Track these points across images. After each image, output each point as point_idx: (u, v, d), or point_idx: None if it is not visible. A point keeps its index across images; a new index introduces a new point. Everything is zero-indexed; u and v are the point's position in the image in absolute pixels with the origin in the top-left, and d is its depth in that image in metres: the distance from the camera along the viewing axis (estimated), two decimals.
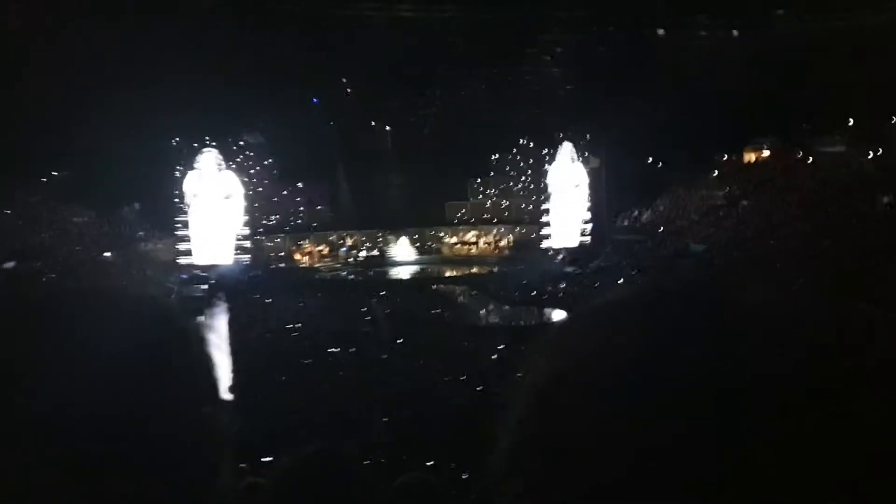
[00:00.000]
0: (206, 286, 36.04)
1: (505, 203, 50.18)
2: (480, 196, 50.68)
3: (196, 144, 41.19)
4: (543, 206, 47.04)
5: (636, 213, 47.96)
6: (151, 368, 0.89)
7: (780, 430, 0.58)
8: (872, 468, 0.58)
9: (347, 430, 14.48)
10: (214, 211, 40.95)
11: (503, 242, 49.17)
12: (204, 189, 41.00)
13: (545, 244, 46.66)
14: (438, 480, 3.33)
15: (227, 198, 41.50)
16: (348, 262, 46.32)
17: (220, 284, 36.73)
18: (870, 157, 41.80)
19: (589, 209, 46.76)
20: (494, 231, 49.47)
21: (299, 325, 27.30)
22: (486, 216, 50.09)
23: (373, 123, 50.54)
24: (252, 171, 45.10)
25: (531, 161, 49.14)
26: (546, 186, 47.20)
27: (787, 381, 0.60)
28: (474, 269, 44.78)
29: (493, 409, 16.49)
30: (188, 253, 40.30)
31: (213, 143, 41.53)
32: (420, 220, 48.46)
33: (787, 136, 46.81)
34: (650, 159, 50.16)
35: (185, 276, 37.81)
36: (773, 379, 0.60)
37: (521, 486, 0.69)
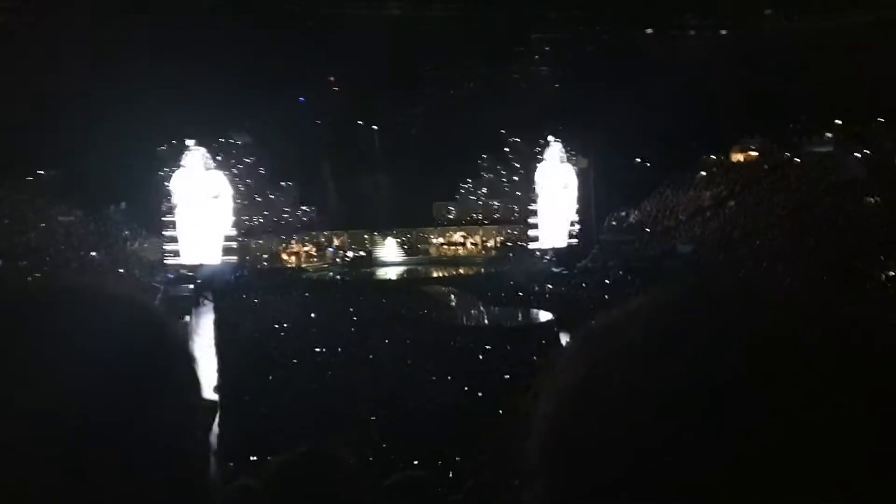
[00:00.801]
0: (192, 286, 35.94)
1: (493, 203, 50.19)
2: (468, 196, 50.65)
3: (182, 143, 41.06)
4: (531, 207, 47.14)
5: (624, 213, 48.10)
6: (135, 370, 0.87)
7: (779, 431, 0.58)
8: (870, 469, 0.58)
9: (335, 430, 14.44)
10: (201, 210, 40.82)
11: (491, 243, 49.20)
12: (190, 188, 40.87)
13: (533, 245, 46.77)
14: (430, 479, 3.29)
15: (213, 197, 41.37)
16: (335, 263, 46.25)
17: (207, 284, 36.64)
18: (858, 156, 42.03)
19: (577, 210, 46.89)
20: (482, 231, 49.50)
21: (286, 325, 27.24)
22: (473, 216, 50.09)
23: (360, 123, 50.47)
24: (239, 171, 44.98)
25: (519, 161, 49.20)
26: (534, 187, 47.31)
27: (782, 381, 0.60)
28: (462, 270, 44.85)
29: (480, 408, 16.53)
30: (175, 253, 40.17)
31: (200, 143, 41.41)
32: (408, 221, 48.42)
33: (776, 136, 47.05)
34: (638, 160, 50.31)
35: (171, 276, 37.71)
36: (769, 380, 0.60)
37: (517, 485, 0.71)
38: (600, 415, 0.65)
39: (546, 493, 0.67)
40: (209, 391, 18.61)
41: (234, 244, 42.20)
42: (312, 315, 29.26)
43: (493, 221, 49.85)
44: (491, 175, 50.30)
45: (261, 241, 45.94)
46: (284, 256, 46.48)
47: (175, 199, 40.61)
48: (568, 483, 0.65)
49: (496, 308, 33.68)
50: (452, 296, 37.20)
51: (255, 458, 11.82)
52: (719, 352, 0.62)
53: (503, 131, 49.26)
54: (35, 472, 0.78)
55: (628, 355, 0.66)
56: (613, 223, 47.87)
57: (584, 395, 0.67)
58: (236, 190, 43.47)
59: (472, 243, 49.21)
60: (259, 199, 46.88)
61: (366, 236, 48.13)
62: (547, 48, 49.02)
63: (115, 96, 35.45)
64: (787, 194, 41.90)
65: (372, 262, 46.82)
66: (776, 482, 0.57)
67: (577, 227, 46.86)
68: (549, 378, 0.71)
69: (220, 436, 13.60)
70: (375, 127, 50.46)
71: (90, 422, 0.81)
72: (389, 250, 48.20)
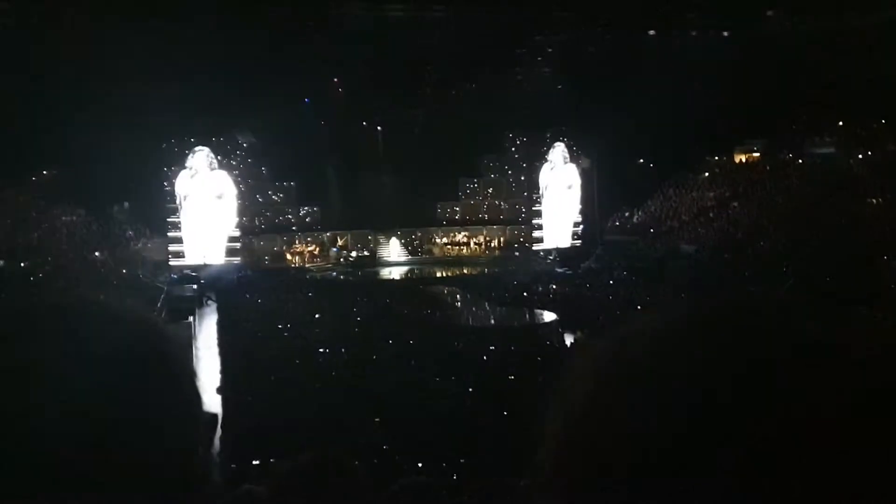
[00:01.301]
0: (196, 286, 35.92)
1: (496, 203, 50.17)
2: (472, 196, 50.62)
3: (186, 143, 41.13)
4: (535, 207, 47.16)
5: (627, 213, 48.10)
6: (135, 386, 0.87)
7: (782, 433, 0.58)
8: (872, 473, 0.57)
9: (338, 432, 14.41)
10: (204, 210, 40.92)
11: (494, 243, 49.20)
12: (194, 188, 40.96)
13: (536, 245, 46.80)
14: (434, 484, 3.27)
15: (217, 197, 41.46)
16: (339, 263, 46.24)
17: (210, 284, 36.65)
18: (860, 157, 42.01)
19: (580, 210, 46.92)
20: (486, 231, 49.48)
21: (289, 325, 27.24)
22: (477, 216, 50.06)
23: (364, 123, 50.49)
24: (242, 171, 44.99)
25: (522, 161, 49.20)
26: (537, 187, 47.33)
27: (791, 391, 0.60)
28: (465, 270, 44.83)
29: (484, 410, 16.47)
30: (178, 253, 40.25)
31: (203, 143, 41.48)
32: (411, 221, 48.39)
33: (778, 136, 47.03)
34: (641, 160, 50.30)
35: (175, 276, 37.72)
36: (779, 391, 0.60)
37: (522, 488, 0.71)
38: (611, 422, 0.65)
39: (553, 496, 0.67)
40: (211, 393, 18.64)
41: (237, 244, 42.28)
42: (316, 315, 29.26)
43: (497, 221, 49.80)
44: (495, 175, 50.28)
45: (264, 241, 45.98)
46: (288, 256, 46.51)
47: (178, 199, 40.69)
48: (576, 487, 0.65)
49: (500, 308, 33.67)
50: (456, 296, 37.19)
51: (257, 461, 11.78)
52: (729, 364, 0.62)
53: (507, 132, 49.27)
54: (38, 483, 0.78)
55: (639, 367, 0.66)
56: (617, 223, 47.88)
57: (596, 402, 0.67)
58: (240, 190, 43.54)
59: (475, 243, 49.18)
60: (262, 199, 46.91)
61: (369, 236, 48.07)
62: (550, 49, 48.96)
63: (119, 96, 35.47)
64: (790, 195, 41.88)
65: (375, 262, 46.75)
66: (785, 488, 0.57)
67: (580, 227, 46.91)
68: (562, 385, 0.71)
69: (222, 438, 13.59)
70: (379, 127, 50.48)
71: (91, 435, 0.80)
72: (393, 250, 48.15)
